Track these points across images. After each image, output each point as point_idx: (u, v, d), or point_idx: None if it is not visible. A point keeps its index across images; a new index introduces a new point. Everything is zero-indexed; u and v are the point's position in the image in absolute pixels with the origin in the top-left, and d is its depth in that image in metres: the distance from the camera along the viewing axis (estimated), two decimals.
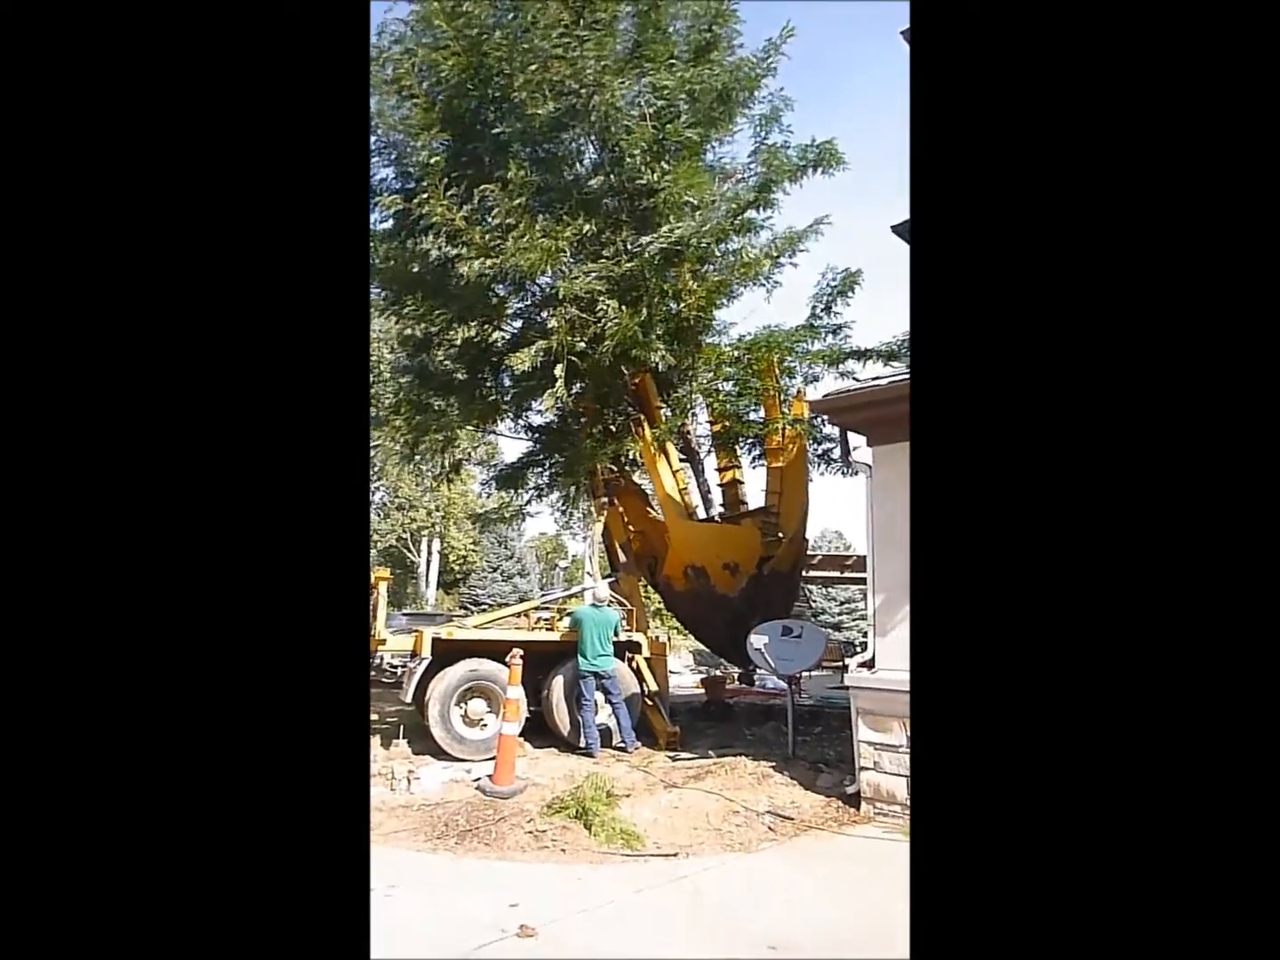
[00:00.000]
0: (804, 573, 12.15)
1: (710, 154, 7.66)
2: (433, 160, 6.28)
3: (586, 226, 6.36)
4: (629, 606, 6.78)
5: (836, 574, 14.27)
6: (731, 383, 7.91)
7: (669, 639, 8.36)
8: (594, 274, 6.29)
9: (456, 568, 25.39)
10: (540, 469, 9.30)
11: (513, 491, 9.98)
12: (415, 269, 6.93)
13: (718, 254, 7.02)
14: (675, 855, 3.55)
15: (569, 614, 6.34)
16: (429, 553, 23.15)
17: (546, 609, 7.27)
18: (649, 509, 8.43)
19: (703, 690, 9.15)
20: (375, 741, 5.85)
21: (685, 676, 12.60)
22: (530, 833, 3.72)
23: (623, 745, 5.82)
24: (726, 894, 3.09)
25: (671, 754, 5.77)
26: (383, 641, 6.04)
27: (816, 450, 8.03)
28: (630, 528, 8.27)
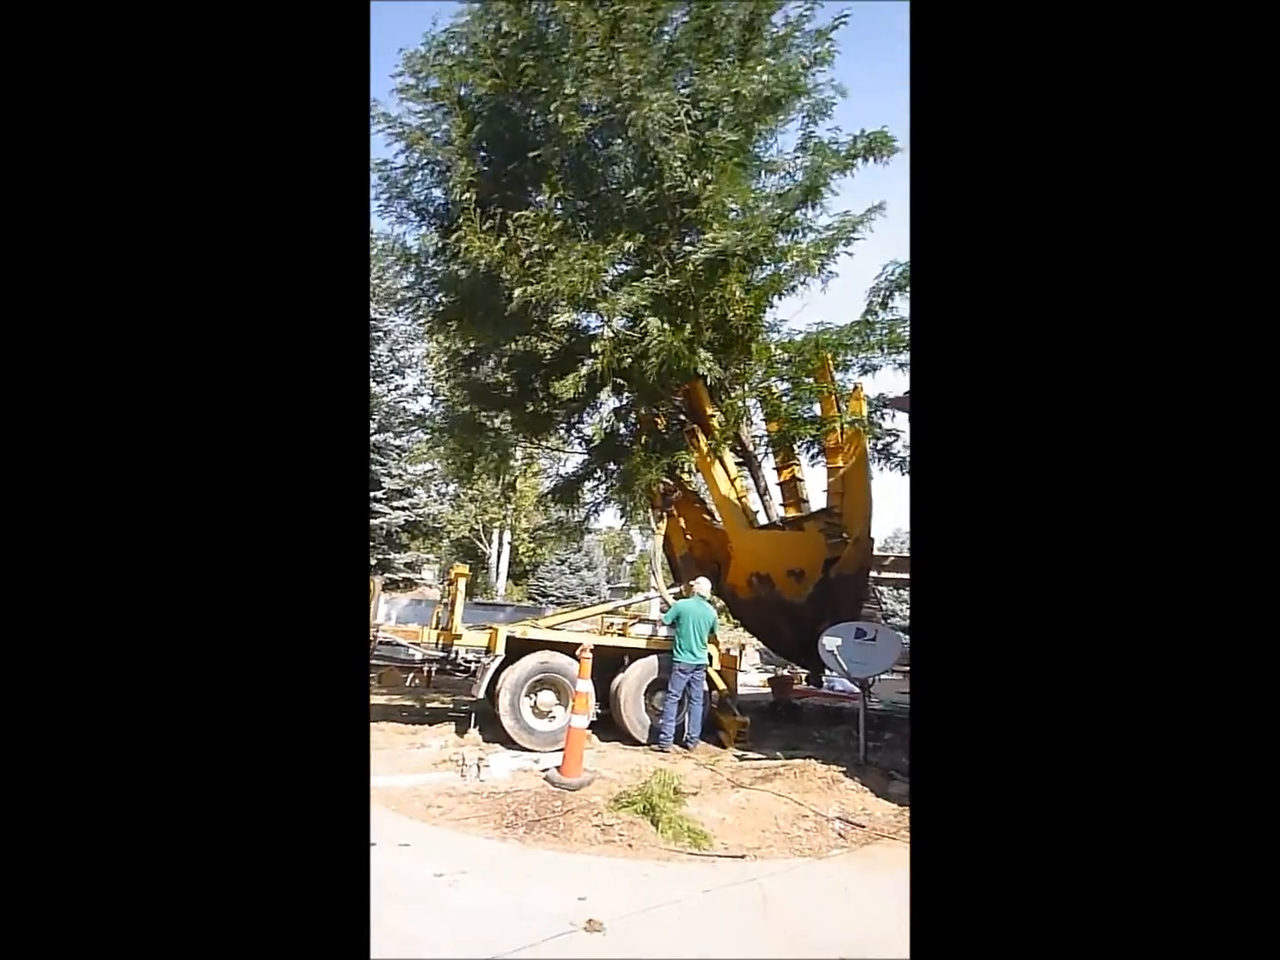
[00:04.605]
0: (876, 574, 11.73)
1: (755, 148, 7.32)
2: (465, 196, 6.16)
3: (628, 243, 6.22)
4: None
5: (909, 575, 13.69)
6: (785, 382, 7.73)
7: (741, 650, 8.23)
8: (637, 291, 6.13)
9: (526, 560, 26.29)
10: (595, 482, 9.22)
11: (569, 507, 9.82)
12: (460, 287, 6.88)
13: (764, 257, 6.75)
14: (743, 857, 3.54)
15: (671, 607, 6.38)
16: (499, 544, 23.78)
17: (618, 615, 7.35)
18: (708, 517, 8.34)
19: (769, 690, 9.05)
20: (449, 729, 6.04)
21: (751, 675, 12.47)
22: (597, 826, 3.77)
23: (687, 741, 5.87)
24: (795, 899, 3.06)
25: (739, 753, 5.76)
26: (458, 636, 6.19)
27: (875, 446, 7.78)
28: (690, 537, 8.20)
